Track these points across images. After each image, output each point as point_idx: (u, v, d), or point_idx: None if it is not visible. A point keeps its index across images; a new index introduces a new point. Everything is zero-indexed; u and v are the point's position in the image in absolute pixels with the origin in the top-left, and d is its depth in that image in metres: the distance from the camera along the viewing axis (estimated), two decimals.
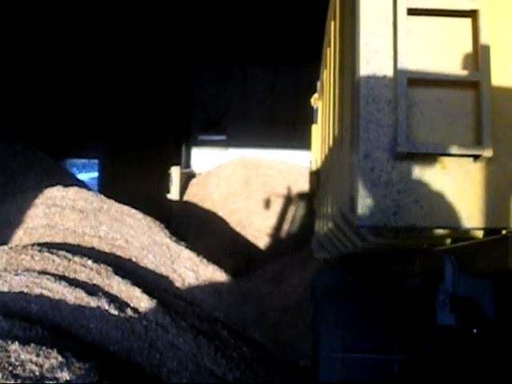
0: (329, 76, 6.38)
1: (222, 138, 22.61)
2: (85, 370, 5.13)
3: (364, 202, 3.13)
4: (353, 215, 3.27)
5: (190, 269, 9.95)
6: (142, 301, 7.69)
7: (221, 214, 19.56)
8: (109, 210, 10.61)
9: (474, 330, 4.52)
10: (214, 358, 7.34)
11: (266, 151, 22.01)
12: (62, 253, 8.26)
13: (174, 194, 20.13)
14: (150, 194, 19.53)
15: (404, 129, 3.02)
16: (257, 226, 19.11)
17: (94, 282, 7.69)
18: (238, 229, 19.07)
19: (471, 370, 4.83)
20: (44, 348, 5.19)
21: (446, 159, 3.11)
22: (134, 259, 9.65)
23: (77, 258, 8.22)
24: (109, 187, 19.64)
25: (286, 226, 19.23)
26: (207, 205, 19.86)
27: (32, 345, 5.19)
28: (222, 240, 17.18)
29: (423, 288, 5.61)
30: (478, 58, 3.11)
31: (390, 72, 3.13)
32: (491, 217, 3.11)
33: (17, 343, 5.13)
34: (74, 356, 5.31)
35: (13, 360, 4.89)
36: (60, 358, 5.12)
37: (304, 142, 21.51)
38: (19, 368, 4.84)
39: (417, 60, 3.14)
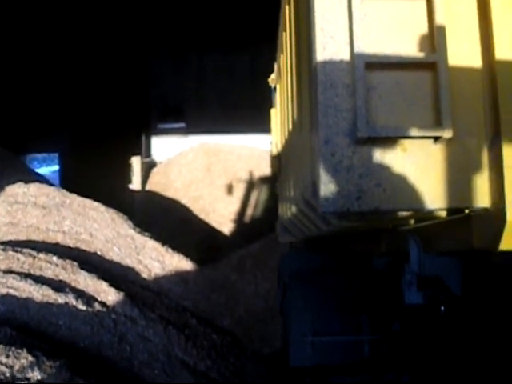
0: (285, 60, 6.37)
1: (182, 125, 22.55)
2: (56, 368, 5.10)
3: (326, 188, 3.12)
4: (316, 201, 3.26)
5: (155, 259, 9.92)
6: (109, 294, 7.67)
7: (184, 201, 19.56)
8: (71, 205, 10.53)
9: (442, 308, 4.57)
10: (185, 347, 7.34)
11: (227, 136, 22.02)
12: (26, 250, 8.19)
13: (135, 185, 20.05)
14: (112, 185, 19.41)
15: (363, 113, 3.01)
16: (220, 212, 19.14)
17: (61, 278, 7.64)
18: (201, 216, 19.08)
19: (440, 348, 4.88)
20: (13, 348, 5.14)
21: (406, 142, 3.11)
22: (99, 252, 9.59)
23: (42, 255, 8.15)
24: (70, 180, 19.49)
25: (249, 211, 19.29)
26: (170, 193, 19.84)
27: (1, 346, 5.14)
28: (186, 228, 17.17)
29: (389, 268, 5.67)
30: (434, 39, 3.10)
31: (346, 57, 3.12)
32: (454, 197, 3.11)
33: None
34: (45, 354, 5.28)
35: None
36: (30, 358, 5.09)
37: (264, 126, 21.56)
38: None
39: (373, 44, 3.12)
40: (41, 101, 20.97)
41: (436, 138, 3.07)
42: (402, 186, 3.14)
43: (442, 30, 3.09)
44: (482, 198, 3.08)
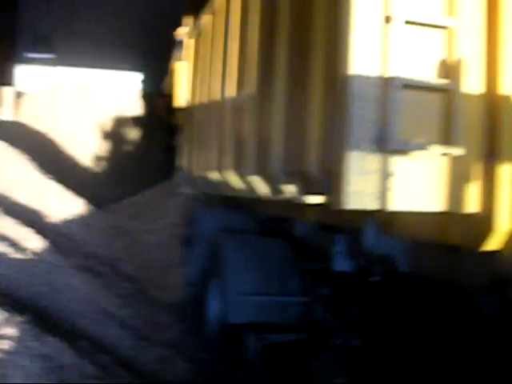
0: (231, 28, 6.63)
1: (51, 56, 22.00)
2: (25, 323, 5.21)
3: (350, 187, 3.55)
4: (336, 197, 3.67)
5: (60, 203, 9.96)
6: (35, 242, 7.71)
7: (54, 137, 19.24)
8: None
9: (375, 278, 5.09)
10: (106, 296, 7.56)
11: (95, 71, 21.76)
12: None
13: (6, 115, 19.49)
14: None
15: (394, 129, 3.47)
16: (91, 151, 19.02)
17: None
18: (72, 153, 18.89)
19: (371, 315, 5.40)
20: None
21: (416, 152, 3.60)
22: (9, 194, 9.50)
23: None
24: None
25: (120, 152, 19.28)
26: (40, 127, 19.44)
27: None
28: (57, 163, 16.93)
29: (316, 235, 6.14)
30: (453, 68, 3.61)
31: (377, 73, 3.55)
32: (450, 202, 3.65)
33: None
34: (12, 310, 5.34)
35: None
36: (3, 315, 5.14)
37: (131, 64, 21.53)
38: None
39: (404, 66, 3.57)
40: None
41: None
42: (409, 190, 3.64)
43: (460, 61, 3.60)
44: (473, 205, 3.64)
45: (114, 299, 7.63)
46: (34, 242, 7.76)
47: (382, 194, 3.58)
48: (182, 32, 10.17)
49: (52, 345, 5.22)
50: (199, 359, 6.98)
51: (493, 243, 3.55)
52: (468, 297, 3.92)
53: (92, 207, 10.59)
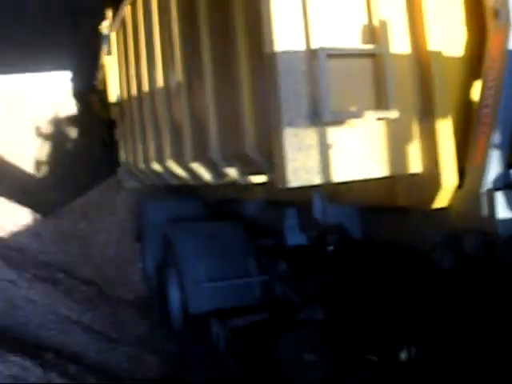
0: (152, 17, 6.53)
1: None
2: None
3: (291, 165, 3.50)
4: (279, 175, 3.61)
5: (6, 215, 9.79)
6: None
7: None
8: None
9: (330, 248, 5.10)
10: (66, 303, 7.47)
11: (23, 75, 21.33)
12: None
13: None
14: None
15: (327, 101, 3.42)
16: (30, 156, 18.67)
17: None
18: (11, 161, 18.52)
19: (329, 286, 5.41)
20: None
21: (353, 120, 3.56)
22: None
23: None
24: None
25: (60, 153, 18.97)
26: None
27: None
28: (1, 175, 16.59)
29: (263, 213, 6.13)
30: (378, 31, 3.57)
31: (302, 46, 3.49)
32: (392, 165, 3.62)
33: None
34: None
35: None
36: None
37: (59, 63, 21.16)
38: None
39: (327, 35, 3.52)
40: None
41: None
42: (350, 160, 3.60)
43: (384, 23, 3.56)
44: (416, 165, 3.63)
45: (74, 305, 7.55)
46: None
47: (324, 168, 3.53)
48: (106, 25, 9.99)
49: (17, 364, 5.15)
50: (168, 353, 6.94)
51: (440, 200, 3.55)
52: (423, 255, 3.92)
53: (39, 215, 10.42)
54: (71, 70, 21.75)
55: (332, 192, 4.45)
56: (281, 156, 3.51)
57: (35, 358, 5.72)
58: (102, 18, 10.61)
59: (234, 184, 5.27)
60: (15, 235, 9.62)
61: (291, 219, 5.53)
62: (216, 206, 7.46)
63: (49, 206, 12.47)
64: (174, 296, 6.91)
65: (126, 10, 8.16)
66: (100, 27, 10.36)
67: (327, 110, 3.39)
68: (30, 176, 17.89)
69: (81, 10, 20.93)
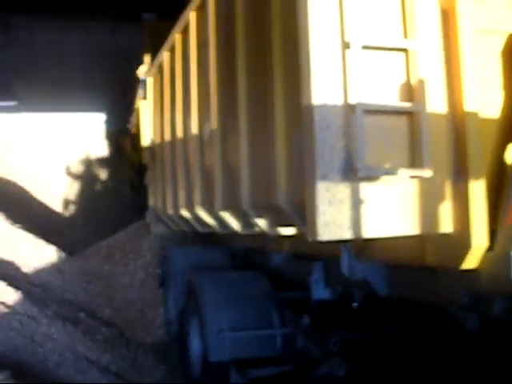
0: (190, 64, 6.62)
1: (13, 104, 21.88)
2: (4, 381, 5.10)
3: (322, 218, 3.51)
4: (310, 228, 3.62)
5: (31, 252, 9.85)
6: (8, 294, 7.59)
7: (21, 184, 19.05)
8: None
9: (355, 304, 5.05)
10: (85, 343, 7.46)
11: (58, 115, 21.65)
12: None
13: None
14: None
15: (362, 156, 3.43)
16: (59, 195, 18.87)
17: None
18: (40, 198, 18.72)
19: (352, 342, 5.36)
20: None
21: (387, 177, 3.57)
22: None
23: None
24: None
25: (88, 194, 19.15)
26: (5, 175, 19.22)
27: None
28: (26, 211, 16.74)
29: (290, 265, 6.11)
30: (416, 90, 3.59)
31: (340, 101, 3.51)
32: (423, 224, 3.61)
33: None
34: None
35: None
36: None
37: (94, 104, 21.49)
38: None
39: (365, 90, 3.54)
40: None
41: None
42: (383, 217, 3.59)
43: (422, 82, 3.58)
44: (446, 225, 3.61)
45: (93, 346, 7.54)
46: (7, 295, 7.63)
47: (355, 223, 3.53)
48: (143, 70, 10.14)
49: None
50: None
51: (470, 261, 3.52)
52: (449, 316, 3.88)
53: (64, 253, 10.47)
54: (105, 112, 22.08)
55: (359, 247, 4.43)
56: (312, 209, 3.52)
57: None
58: (138, 61, 10.78)
59: (261, 234, 5.27)
60: (39, 272, 9.67)
61: (317, 273, 5.51)
62: (242, 255, 7.44)
63: (74, 245, 12.55)
64: (195, 343, 6.87)
65: (165, 56, 8.28)
66: (137, 71, 10.50)
67: (361, 165, 3.40)
68: (57, 214, 18.05)
69: (117, 53, 21.37)
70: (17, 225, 10.72)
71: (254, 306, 6.38)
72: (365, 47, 3.50)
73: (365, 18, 3.55)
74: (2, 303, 7.34)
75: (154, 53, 9.44)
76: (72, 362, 6.84)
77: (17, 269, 9.43)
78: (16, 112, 21.19)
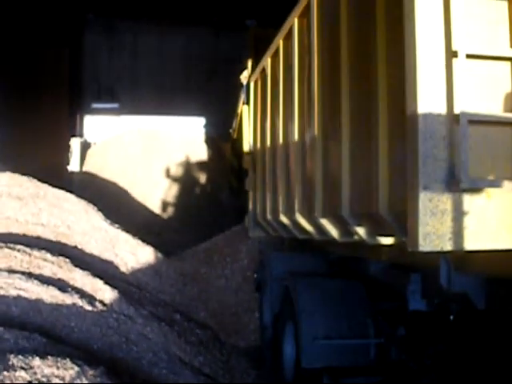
0: (293, 70, 6.65)
1: (115, 106, 22.45)
2: (98, 376, 5.22)
3: (424, 229, 3.48)
4: (411, 239, 3.59)
5: (129, 252, 10.07)
6: (105, 292, 7.78)
7: (121, 185, 19.49)
8: (46, 196, 10.54)
9: (451, 317, 4.96)
10: (179, 344, 7.57)
11: (160, 118, 22.06)
12: (20, 247, 8.19)
13: (74, 166, 19.89)
14: (45, 164, 19.22)
15: (466, 167, 3.38)
16: (158, 197, 19.20)
17: (59, 276, 7.69)
18: (139, 200, 19.10)
19: (448, 355, 5.26)
20: (59, 359, 5.21)
21: (490, 190, 3.51)
22: (79, 246, 9.66)
23: (36, 252, 8.17)
24: (2, 157, 19.22)
25: (187, 197, 19.40)
26: (107, 176, 19.70)
27: (49, 357, 5.20)
28: (125, 213, 17.12)
29: (389, 275, 6.04)
30: None
31: (443, 111, 3.48)
32: None
33: (37, 358, 5.13)
34: (85, 363, 5.37)
35: (39, 377, 4.90)
36: (76, 368, 5.17)
37: (195, 109, 21.80)
38: None
39: (470, 101, 3.49)
40: None
41: None
42: (486, 229, 3.54)
43: None
44: None
45: (187, 347, 7.63)
46: (104, 293, 7.81)
47: (457, 235, 3.49)
48: (246, 75, 10.26)
49: None
50: None
51: None
52: None
53: (161, 254, 10.66)
54: (205, 116, 22.41)
55: (458, 259, 4.35)
56: (414, 219, 3.49)
57: None
58: (239, 66, 10.91)
59: (359, 243, 5.25)
60: (136, 272, 9.85)
61: (414, 284, 5.42)
62: (338, 262, 7.41)
63: (171, 246, 12.77)
64: (288, 349, 6.89)
65: (267, 61, 8.35)
66: (240, 77, 10.63)
67: (465, 176, 3.36)
68: (156, 216, 18.38)
69: (218, 59, 21.69)
70: (116, 225, 10.95)
71: (350, 315, 6.34)
72: (471, 56, 3.46)
73: (471, 28, 3.51)
74: (101, 301, 7.51)
75: (257, 58, 9.54)
76: (166, 362, 6.92)
77: (115, 268, 9.64)
78: (118, 115, 21.70)
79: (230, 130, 14.98)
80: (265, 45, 8.43)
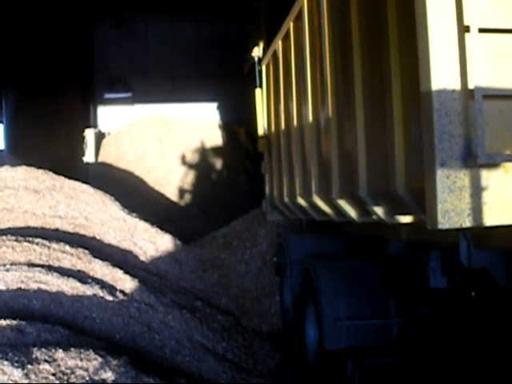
0: (305, 53, 6.61)
1: (128, 95, 22.42)
2: (122, 366, 5.24)
3: (443, 207, 3.46)
4: (430, 217, 3.57)
5: (148, 241, 10.08)
6: (126, 282, 7.80)
7: (137, 173, 19.52)
8: (62, 188, 10.56)
9: (473, 294, 4.93)
10: (202, 331, 7.58)
11: (172, 105, 22.04)
12: (39, 240, 8.22)
13: (89, 157, 19.93)
14: (60, 156, 19.29)
15: (482, 143, 3.35)
16: (174, 184, 19.21)
17: (78, 268, 7.72)
18: (156, 187, 19.12)
19: (470, 332, 5.23)
20: (82, 350, 5.24)
21: (508, 164, 3.47)
22: (97, 237, 9.69)
23: (55, 245, 8.21)
24: (16, 151, 19.32)
25: (203, 183, 19.41)
26: (122, 165, 19.74)
27: (72, 349, 5.24)
28: (142, 200, 17.12)
29: (408, 253, 6.02)
30: None
31: (458, 86, 3.45)
32: None
33: (60, 350, 5.17)
34: (108, 353, 5.40)
35: (63, 369, 4.94)
36: (99, 359, 5.20)
37: (207, 94, 21.76)
38: (72, 376, 4.91)
39: (484, 76, 3.45)
40: None
41: None
42: (505, 204, 3.51)
43: None
44: None
45: (210, 333, 7.64)
46: (125, 283, 7.83)
47: (475, 211, 3.46)
48: (257, 58, 10.21)
49: None
50: None
51: None
52: None
53: (180, 242, 10.66)
54: (218, 101, 22.37)
55: (478, 236, 4.33)
56: (432, 197, 3.47)
57: (169, 381, 5.82)
58: (249, 50, 10.85)
59: (377, 222, 5.23)
60: (156, 260, 9.87)
61: (434, 262, 5.39)
62: (357, 243, 7.39)
63: (190, 233, 12.78)
64: (311, 331, 6.88)
65: (278, 44, 8.31)
66: (249, 61, 10.56)
67: (482, 151, 3.33)
68: (173, 203, 18.40)
69: (229, 43, 21.61)
70: (134, 214, 10.97)
71: (371, 295, 6.33)
72: (484, 30, 3.42)
73: (482, 1, 3.47)
74: (122, 291, 7.53)
75: (267, 42, 9.51)
76: (189, 349, 6.94)
77: (134, 257, 9.66)
78: (131, 104, 21.69)
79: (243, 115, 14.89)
80: (274, 27, 8.39)
